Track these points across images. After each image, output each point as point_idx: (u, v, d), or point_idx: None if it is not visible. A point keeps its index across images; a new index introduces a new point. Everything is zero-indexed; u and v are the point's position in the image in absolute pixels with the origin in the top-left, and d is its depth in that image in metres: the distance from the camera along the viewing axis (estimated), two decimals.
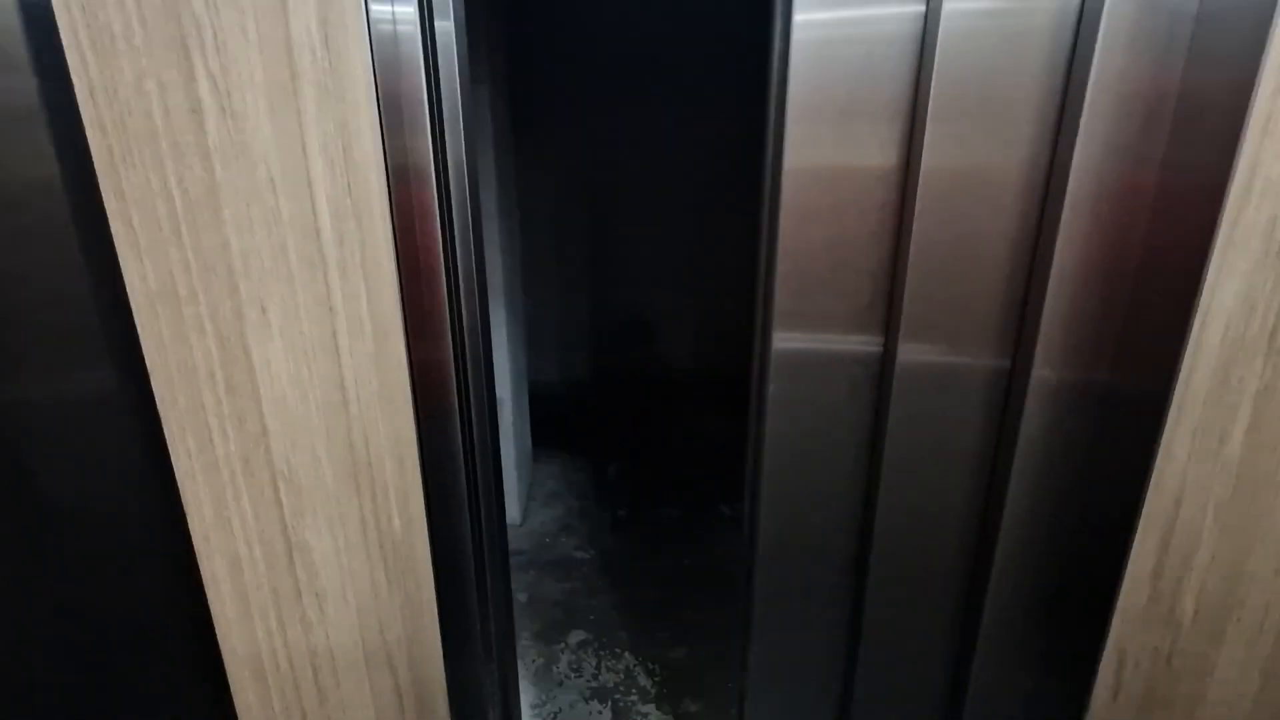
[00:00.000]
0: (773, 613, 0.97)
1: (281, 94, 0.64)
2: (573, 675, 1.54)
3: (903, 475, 0.84)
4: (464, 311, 0.81)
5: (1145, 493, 0.74)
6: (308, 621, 0.84)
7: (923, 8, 0.68)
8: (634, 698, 1.49)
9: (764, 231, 0.80)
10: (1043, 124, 0.69)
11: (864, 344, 0.81)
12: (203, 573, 0.79)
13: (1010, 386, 0.79)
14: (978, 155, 0.71)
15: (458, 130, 0.76)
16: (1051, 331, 0.74)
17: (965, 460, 0.84)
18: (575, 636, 1.65)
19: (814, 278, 0.78)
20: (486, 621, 0.95)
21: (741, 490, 0.95)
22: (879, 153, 0.73)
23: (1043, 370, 0.75)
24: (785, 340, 0.81)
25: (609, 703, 1.47)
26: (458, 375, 0.82)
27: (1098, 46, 0.64)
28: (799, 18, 0.69)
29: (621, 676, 1.54)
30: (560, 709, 1.46)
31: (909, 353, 0.78)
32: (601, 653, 1.61)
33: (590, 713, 1.45)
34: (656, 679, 1.53)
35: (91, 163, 0.63)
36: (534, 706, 1.46)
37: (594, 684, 1.52)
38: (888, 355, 0.80)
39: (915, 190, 0.72)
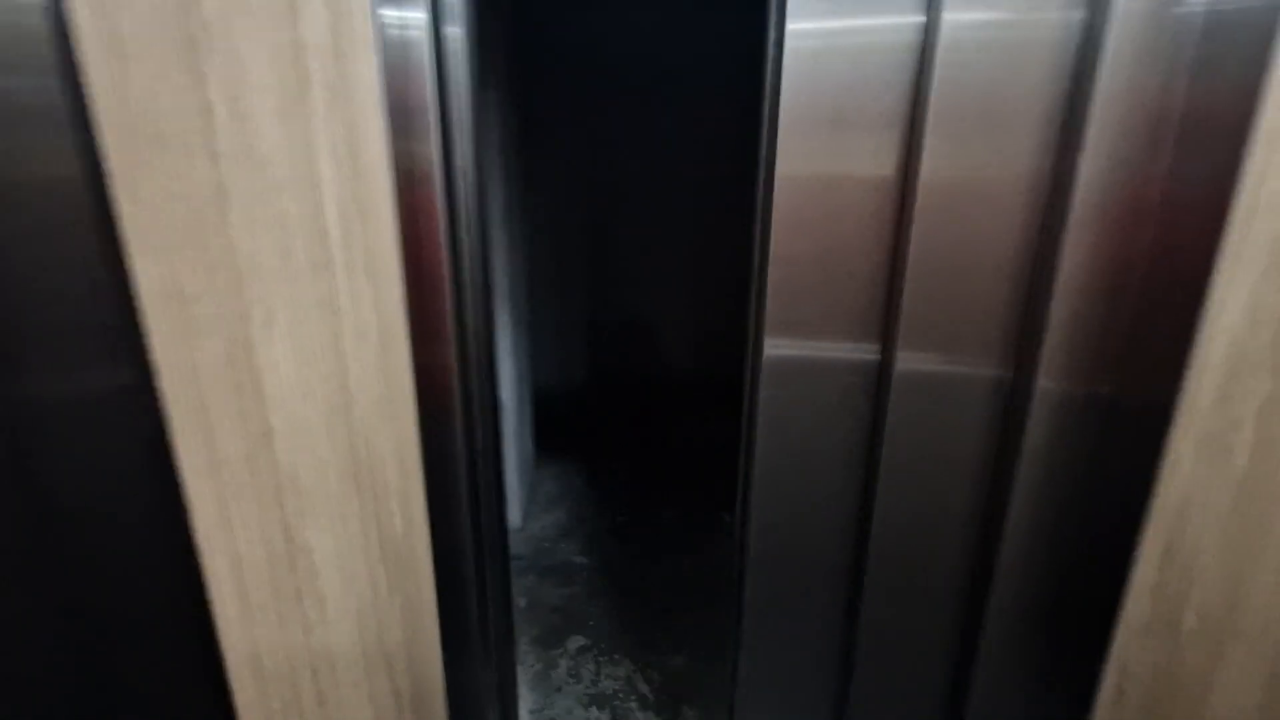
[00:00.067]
0: (763, 624, 0.96)
1: (290, 97, 0.64)
2: (571, 681, 1.54)
3: (900, 485, 0.84)
4: (468, 315, 0.81)
5: (1149, 506, 0.73)
6: (308, 622, 0.84)
7: (922, 19, 0.68)
8: (633, 704, 1.48)
9: (756, 238, 0.81)
10: (1047, 136, 0.69)
11: (859, 352, 0.81)
12: (204, 572, 0.79)
13: (1013, 398, 0.79)
14: (979, 166, 0.71)
15: (465, 134, 0.76)
16: (1056, 344, 0.74)
17: (965, 471, 0.83)
18: (574, 642, 1.65)
19: (805, 285, 0.78)
20: (486, 625, 0.95)
21: None
22: (874, 163, 0.73)
23: (1046, 382, 0.75)
24: (776, 347, 0.81)
25: (608, 709, 1.47)
26: (461, 379, 0.82)
27: (1103, 60, 0.64)
28: (792, 27, 0.69)
29: (620, 683, 1.53)
30: (559, 714, 1.46)
31: (907, 362, 0.78)
32: (601, 659, 1.60)
33: (589, 719, 1.45)
34: (655, 686, 1.53)
35: (103, 163, 0.63)
36: (532, 712, 1.46)
37: (593, 690, 1.52)
38: (885, 365, 0.80)
39: (914, 201, 0.72)
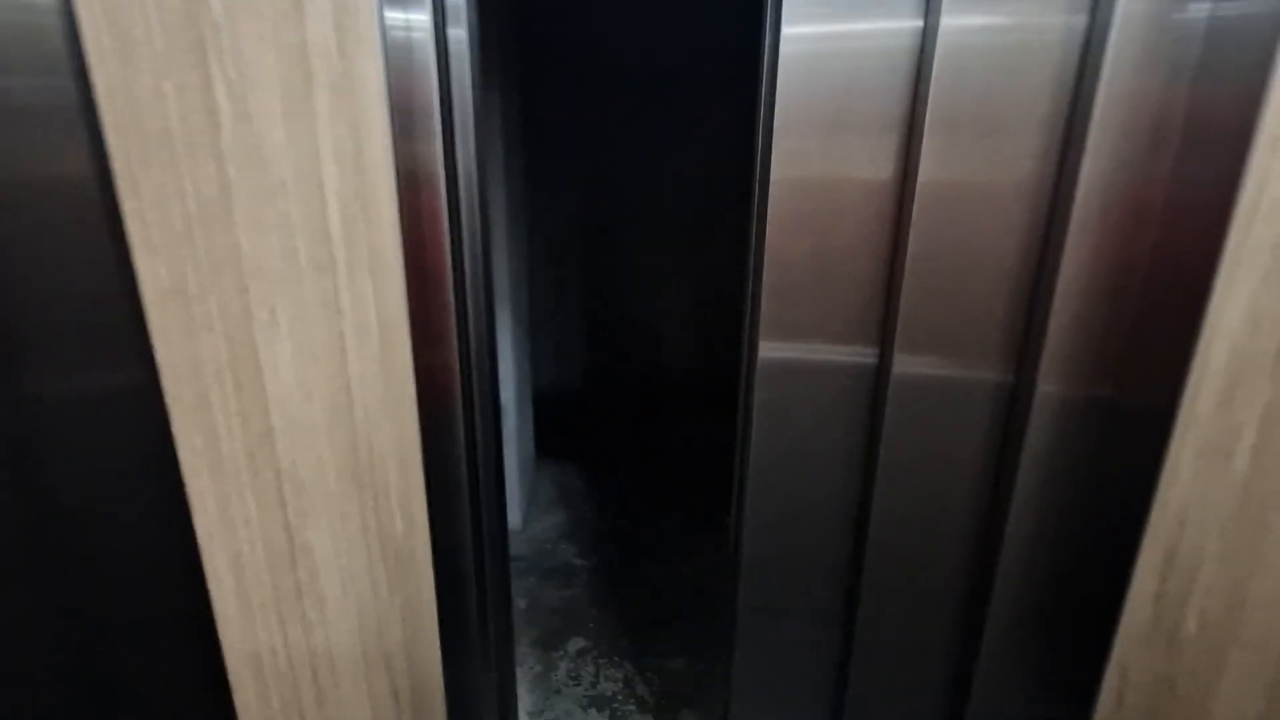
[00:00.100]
0: (758, 626, 0.96)
1: (295, 98, 0.65)
2: (571, 683, 1.54)
3: (898, 489, 0.84)
4: (470, 316, 0.82)
5: (1149, 512, 0.73)
6: (308, 621, 0.84)
7: (920, 23, 0.68)
8: (632, 707, 1.48)
9: (752, 241, 0.81)
10: (1047, 141, 0.69)
11: (856, 356, 0.81)
12: (205, 570, 0.80)
13: (1012, 402, 0.78)
14: (978, 171, 0.71)
15: (468, 136, 0.77)
16: (1056, 348, 0.74)
17: (964, 475, 0.83)
18: (574, 644, 1.65)
19: (800, 288, 0.78)
20: (486, 626, 0.95)
21: None
22: (871, 167, 0.73)
23: (1047, 386, 0.75)
24: (771, 350, 0.81)
25: (607, 711, 1.47)
26: (462, 379, 0.82)
27: (1104, 65, 0.64)
28: (787, 31, 0.70)
29: (620, 685, 1.53)
30: (558, 716, 1.45)
31: (905, 366, 0.78)
32: (600, 661, 1.60)
33: None
34: (655, 688, 1.52)
35: (109, 162, 0.64)
36: (532, 714, 1.46)
37: (592, 692, 1.51)
38: (882, 368, 0.80)
39: (911, 204, 0.72)
